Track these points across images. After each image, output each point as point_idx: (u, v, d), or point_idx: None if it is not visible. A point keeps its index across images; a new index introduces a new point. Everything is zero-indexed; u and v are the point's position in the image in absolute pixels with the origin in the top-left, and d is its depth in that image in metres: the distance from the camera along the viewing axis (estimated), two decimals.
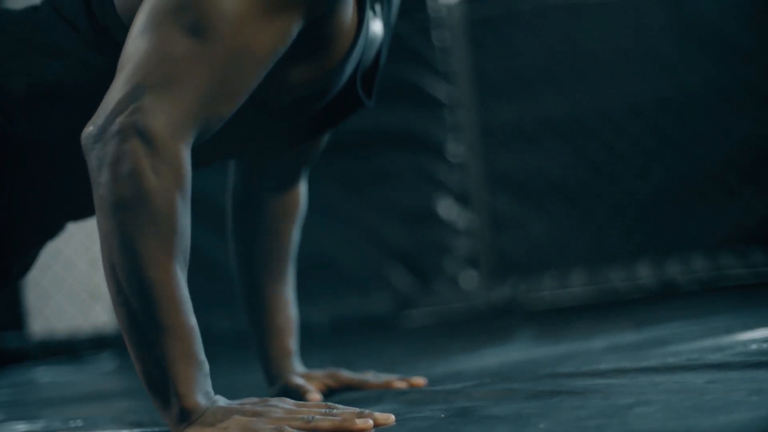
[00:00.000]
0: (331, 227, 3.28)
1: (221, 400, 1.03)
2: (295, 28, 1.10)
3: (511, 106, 3.30)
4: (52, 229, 1.37)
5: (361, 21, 1.21)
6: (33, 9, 1.27)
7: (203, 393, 1.01)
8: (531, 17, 3.24)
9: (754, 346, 1.36)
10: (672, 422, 0.87)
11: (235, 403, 1.03)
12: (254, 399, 1.05)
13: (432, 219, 3.33)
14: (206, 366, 1.03)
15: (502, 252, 3.33)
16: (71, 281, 3.44)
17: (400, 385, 1.49)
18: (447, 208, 3.34)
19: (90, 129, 1.03)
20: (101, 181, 1.01)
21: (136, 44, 1.06)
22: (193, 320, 1.02)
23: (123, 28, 1.17)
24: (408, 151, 3.33)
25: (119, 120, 1.01)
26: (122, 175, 1.00)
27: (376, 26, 1.34)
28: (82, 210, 1.32)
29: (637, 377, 1.19)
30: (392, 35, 1.42)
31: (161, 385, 1.01)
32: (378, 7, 1.34)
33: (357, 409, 1.05)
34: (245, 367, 1.65)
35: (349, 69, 1.26)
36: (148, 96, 1.01)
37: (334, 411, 1.04)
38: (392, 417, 1.06)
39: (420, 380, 1.50)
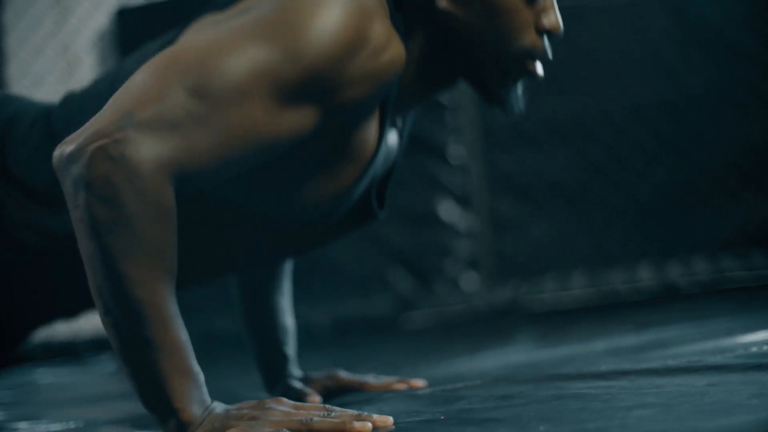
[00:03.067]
0: None
1: (218, 407, 1.02)
2: (309, 125, 1.07)
3: None
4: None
5: (381, 137, 1.19)
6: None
7: (199, 404, 1.01)
8: None
9: (754, 349, 1.36)
10: (672, 425, 0.87)
11: (232, 408, 1.03)
12: (252, 402, 1.04)
13: (433, 221, 3.33)
14: (201, 377, 1.02)
15: (503, 254, 3.33)
16: None
17: (400, 386, 1.49)
18: (448, 210, 3.34)
19: (67, 148, 0.99)
20: (78, 203, 0.98)
21: (137, 78, 1.03)
22: (183, 334, 1.01)
23: None
24: (409, 153, 3.32)
25: (101, 143, 0.97)
26: (101, 198, 0.96)
27: (392, 138, 1.32)
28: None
29: (638, 379, 1.19)
30: (407, 147, 1.40)
31: (157, 400, 1.00)
32: (399, 120, 1.32)
33: (355, 412, 1.04)
34: (247, 368, 1.65)
35: (364, 183, 1.23)
36: (135, 127, 0.98)
37: (332, 413, 1.03)
38: (390, 419, 1.06)
39: (420, 382, 1.50)
